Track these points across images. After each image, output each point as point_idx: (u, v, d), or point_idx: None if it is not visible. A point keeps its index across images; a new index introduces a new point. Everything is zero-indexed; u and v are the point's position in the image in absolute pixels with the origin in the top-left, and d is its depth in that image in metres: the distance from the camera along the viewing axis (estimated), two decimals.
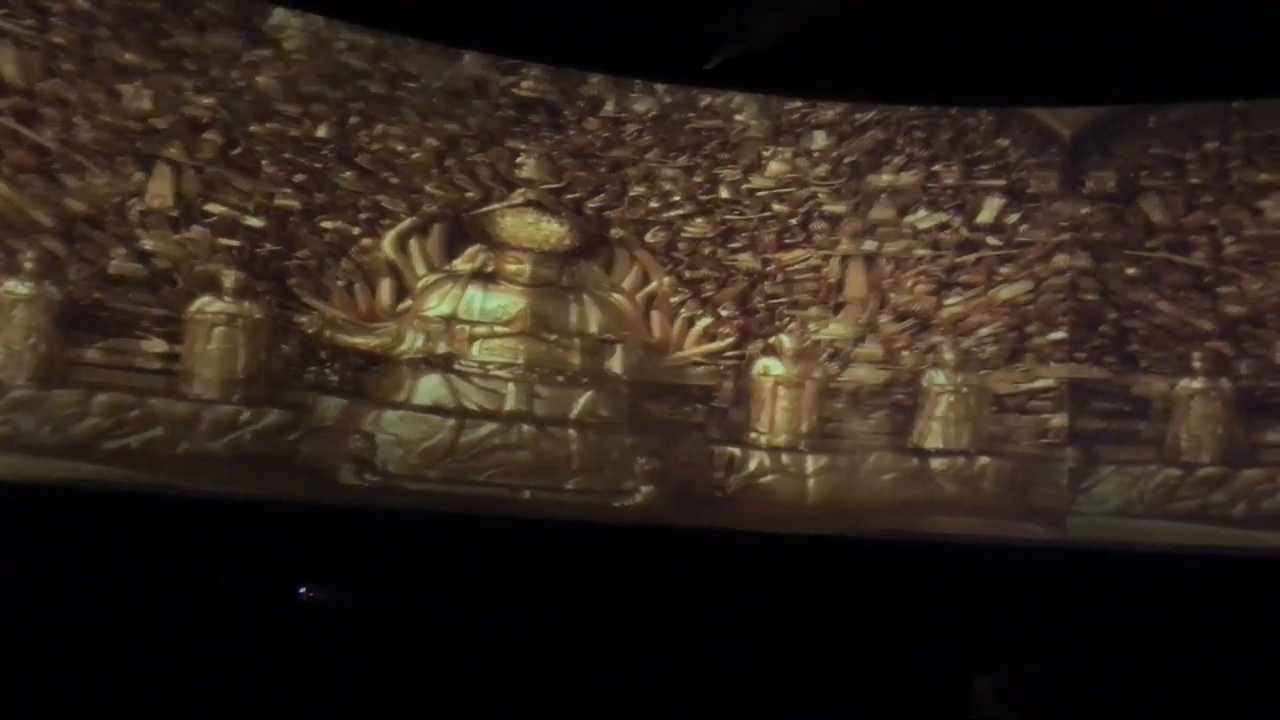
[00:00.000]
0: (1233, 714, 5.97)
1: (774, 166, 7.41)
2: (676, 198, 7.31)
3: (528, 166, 7.09)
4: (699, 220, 7.31)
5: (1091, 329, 7.08)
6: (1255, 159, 6.98)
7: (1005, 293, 7.23)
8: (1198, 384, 6.87)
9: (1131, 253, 7.10)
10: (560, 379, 7.01)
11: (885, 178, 7.42)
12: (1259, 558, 6.56)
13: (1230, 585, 6.35)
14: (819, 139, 7.46)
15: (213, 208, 6.36)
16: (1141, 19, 6.45)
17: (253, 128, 6.48)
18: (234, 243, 6.39)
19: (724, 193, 7.36)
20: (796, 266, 7.35)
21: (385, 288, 6.78)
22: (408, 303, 6.82)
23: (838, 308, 7.35)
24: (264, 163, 6.50)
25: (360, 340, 6.67)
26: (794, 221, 7.38)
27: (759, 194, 7.37)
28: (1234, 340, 6.87)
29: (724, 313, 7.27)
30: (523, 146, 7.11)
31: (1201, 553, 6.65)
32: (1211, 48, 6.62)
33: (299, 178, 6.58)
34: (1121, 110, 7.24)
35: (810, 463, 7.19)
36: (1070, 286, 7.13)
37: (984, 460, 7.09)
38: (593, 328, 7.10)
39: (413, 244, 6.85)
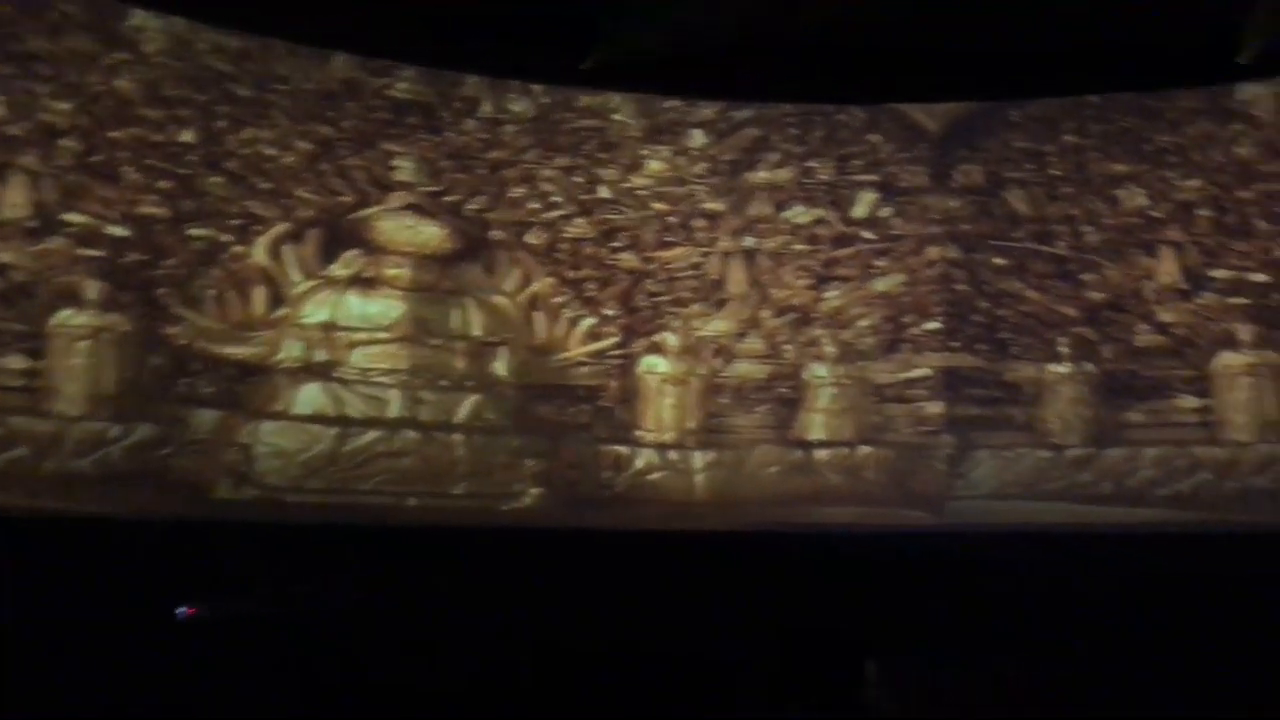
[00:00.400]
0: (1109, 686, 6.20)
1: (653, 165, 7.46)
2: (557, 198, 7.30)
3: (404, 169, 7.00)
4: (580, 220, 7.31)
5: (964, 318, 7.29)
6: (1111, 151, 7.30)
7: (881, 285, 7.41)
8: (1064, 369, 7.14)
9: (999, 243, 7.35)
10: (444, 383, 6.93)
11: (762, 175, 7.53)
12: (1123, 534, 6.82)
13: (1098, 561, 6.62)
14: (697, 138, 7.53)
15: (72, 217, 6.11)
16: (1001, 17, 6.66)
17: (113, 133, 6.26)
18: (96, 253, 6.14)
19: (604, 192, 7.38)
20: (678, 264, 7.41)
21: (259, 296, 6.60)
22: (283, 310, 6.66)
23: (720, 304, 7.43)
24: (126, 169, 6.28)
25: (234, 350, 6.48)
26: (674, 220, 7.44)
27: (639, 193, 7.42)
28: (1097, 325, 7.16)
29: (608, 312, 7.28)
30: (399, 149, 7.02)
31: (1071, 530, 6.89)
32: (1067, 44, 6.88)
33: (164, 184, 6.37)
34: (985, 106, 7.49)
35: (697, 459, 7.24)
36: (942, 277, 7.34)
37: (865, 450, 7.24)
38: (476, 331, 7.04)
39: (287, 250, 6.68)
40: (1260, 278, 6.92)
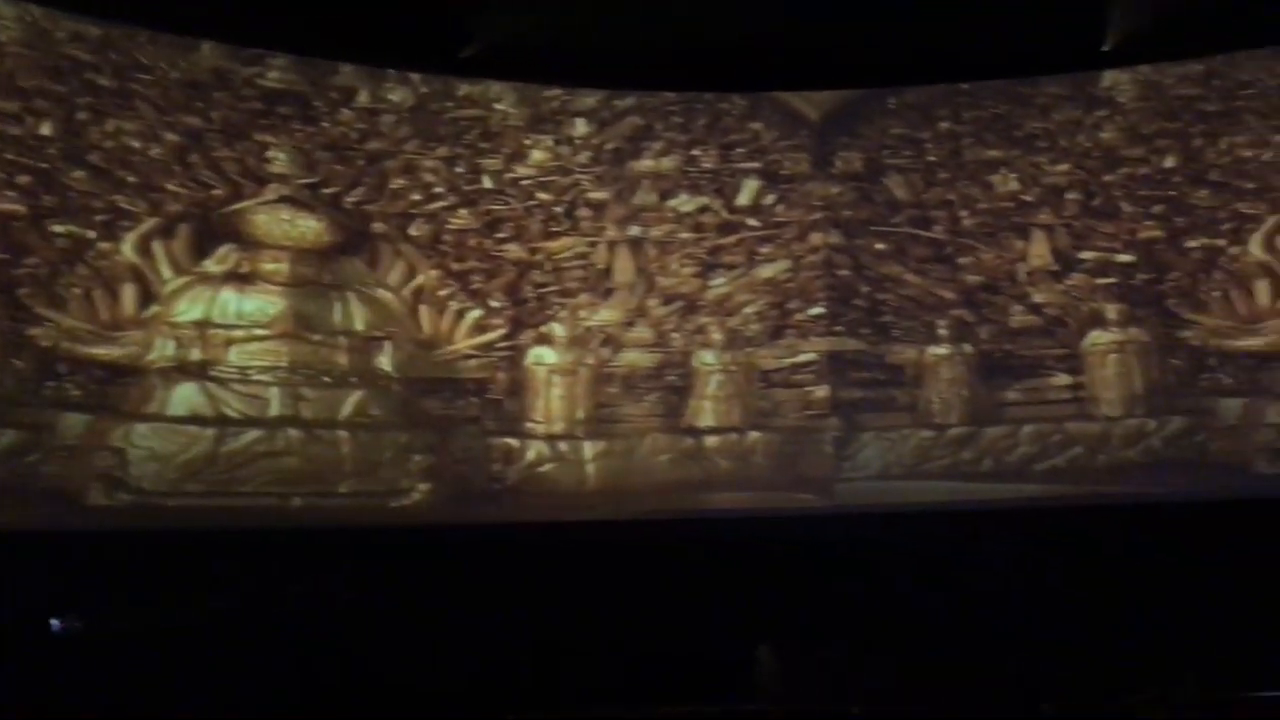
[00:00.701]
0: (988, 659, 6.37)
1: (536, 155, 7.39)
2: (439, 189, 7.19)
3: (279, 161, 6.80)
4: (463, 211, 7.21)
5: (846, 303, 7.41)
6: (984, 137, 7.48)
7: (766, 271, 7.48)
8: (944, 350, 7.31)
9: (879, 229, 7.48)
10: (327, 380, 6.77)
11: (646, 163, 7.53)
12: (1004, 509, 7.02)
13: (981, 537, 6.82)
14: (580, 126, 7.49)
15: None
16: (875, 5, 6.78)
17: None
18: None
19: (487, 183, 7.29)
20: (564, 254, 7.37)
21: (128, 294, 6.33)
22: (154, 309, 6.41)
23: (607, 294, 7.41)
24: None
25: (103, 351, 6.21)
26: (559, 209, 7.39)
27: (523, 183, 7.35)
28: (974, 307, 7.34)
29: (494, 304, 7.19)
30: (272, 140, 6.82)
31: (954, 508, 7.08)
32: (940, 32, 7.02)
33: (23, 179, 6.08)
34: (863, 94, 7.61)
35: (588, 449, 7.22)
36: (825, 263, 7.44)
37: (754, 435, 7.30)
38: (359, 325, 6.89)
39: (156, 246, 6.43)
40: (1126, 258, 7.17)
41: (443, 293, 7.12)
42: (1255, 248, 6.96)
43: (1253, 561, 6.32)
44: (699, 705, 5.76)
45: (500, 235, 7.26)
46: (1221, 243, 7.03)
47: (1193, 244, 7.08)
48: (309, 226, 6.83)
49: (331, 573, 6.28)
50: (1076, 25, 7.00)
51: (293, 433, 6.57)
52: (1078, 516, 6.91)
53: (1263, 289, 6.92)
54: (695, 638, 6.58)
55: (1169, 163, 7.19)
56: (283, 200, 6.79)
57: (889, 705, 5.71)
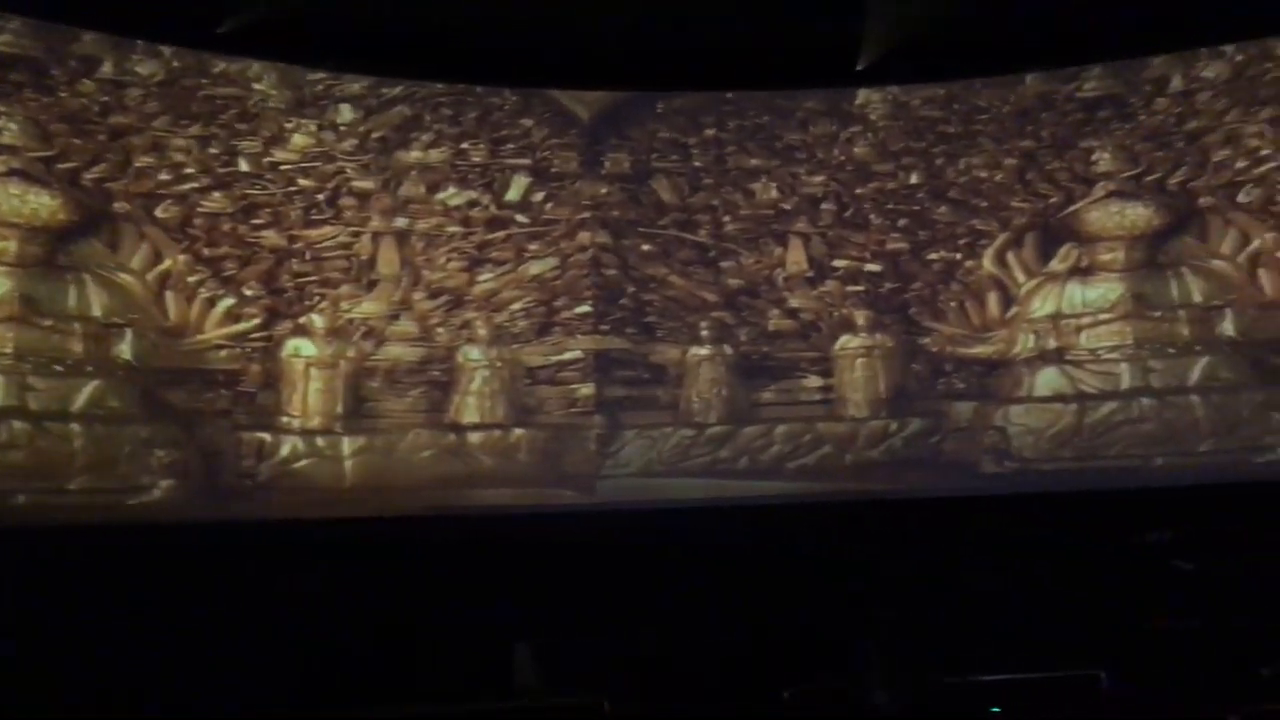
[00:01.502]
0: (743, 651, 6.59)
1: (298, 140, 7.12)
2: (190, 170, 6.81)
3: (9, 132, 6.28)
4: (217, 194, 6.86)
5: (613, 302, 7.50)
6: (747, 145, 7.73)
7: (534, 268, 7.48)
8: (705, 350, 7.51)
9: (646, 230, 7.61)
10: (59, 369, 6.31)
11: (414, 154, 7.39)
12: (758, 506, 7.28)
13: (736, 533, 7.04)
14: (345, 112, 7.28)
15: None
16: (643, 9, 6.90)
17: None
18: None
19: (244, 165, 6.97)
20: (326, 244, 7.13)
21: None
22: None
23: (370, 285, 7.23)
24: None
25: None
26: (321, 197, 7.14)
27: (283, 168, 7.06)
28: (734, 310, 7.57)
29: (248, 292, 6.88)
30: (3, 109, 6.30)
31: (712, 504, 7.28)
32: (706, 41, 7.21)
33: None
34: (633, 96, 7.72)
35: (346, 444, 7.03)
36: (593, 262, 7.51)
37: (519, 432, 7.30)
38: (96, 311, 6.45)
39: None
40: (874, 267, 7.57)
41: (192, 279, 6.75)
42: (988, 262, 7.49)
43: (978, 555, 6.81)
44: (458, 704, 5.69)
45: (257, 221, 6.95)
46: (958, 256, 7.52)
47: (933, 256, 7.55)
48: (40, 203, 6.32)
49: (60, 574, 5.86)
50: (833, 43, 7.32)
51: (18, 425, 6.10)
52: (825, 512, 7.23)
53: (993, 300, 7.46)
54: (456, 636, 6.52)
55: (914, 179, 7.63)
56: (11, 174, 6.28)
57: (644, 700, 5.83)
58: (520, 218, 7.50)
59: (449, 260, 7.36)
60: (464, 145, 7.47)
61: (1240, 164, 7.12)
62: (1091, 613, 6.61)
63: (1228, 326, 7.04)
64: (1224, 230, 7.16)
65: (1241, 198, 7.11)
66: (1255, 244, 7.06)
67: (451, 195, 7.43)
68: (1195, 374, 7.04)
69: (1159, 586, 6.59)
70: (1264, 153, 7.07)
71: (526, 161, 7.55)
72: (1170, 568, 6.67)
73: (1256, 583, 6.30)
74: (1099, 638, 6.35)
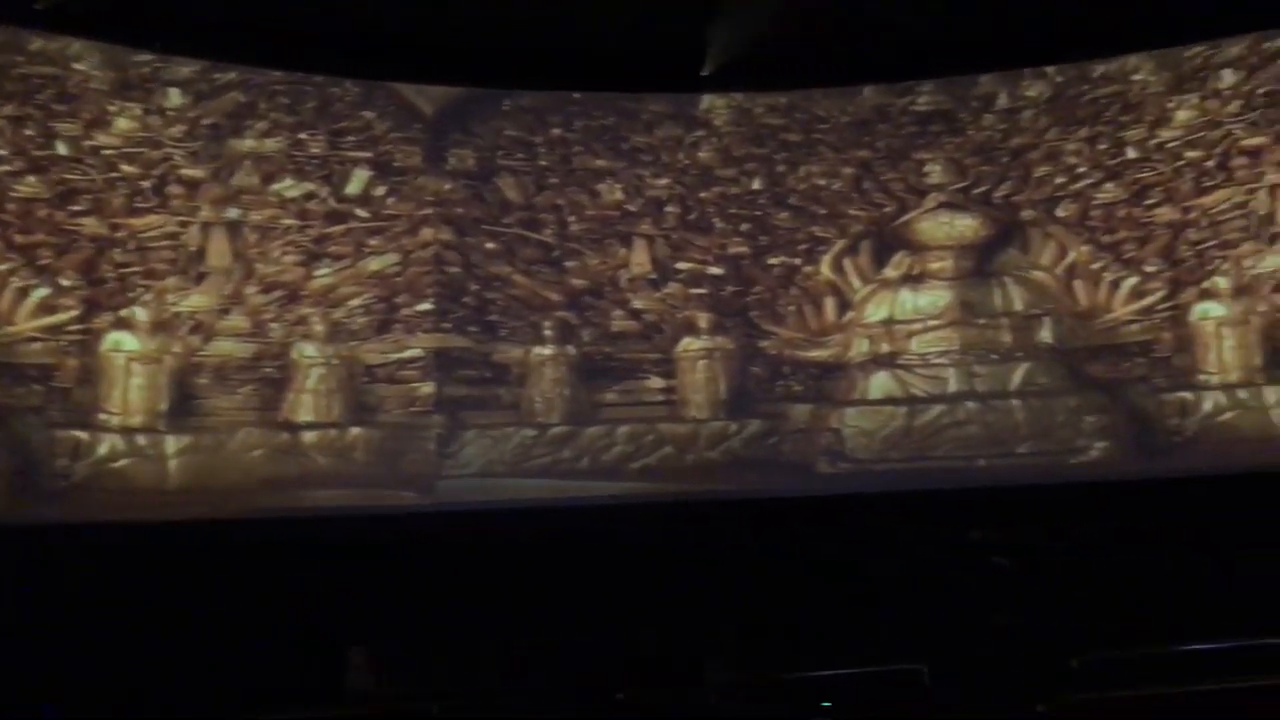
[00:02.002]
0: (575, 651, 6.59)
1: (122, 123, 6.78)
2: (3, 152, 6.42)
3: None
4: (31, 179, 6.47)
5: (455, 300, 7.40)
6: (593, 146, 7.74)
7: (374, 264, 7.31)
8: (548, 350, 7.48)
9: (490, 228, 7.53)
10: None
11: (249, 143, 7.13)
12: (598, 506, 7.29)
13: (577, 534, 7.03)
14: (174, 97, 6.97)
15: None
16: (492, 6, 6.83)
17: None
18: None
19: (62, 149, 6.59)
20: (151, 233, 6.81)
21: None
22: None
23: (199, 278, 6.95)
24: None
25: None
26: (146, 185, 6.82)
27: (104, 153, 6.71)
28: (578, 310, 7.57)
29: (65, 282, 6.51)
30: None
31: (553, 505, 7.25)
32: (553, 41, 7.19)
33: None
34: (478, 92, 7.63)
35: (171, 443, 6.74)
36: (435, 259, 7.39)
37: (356, 431, 7.12)
38: None
39: None
40: (716, 271, 7.68)
41: (3, 268, 6.35)
42: (825, 268, 7.68)
43: (813, 554, 6.98)
44: (289, 710, 5.52)
45: (75, 208, 6.58)
46: (798, 261, 7.70)
47: (774, 261, 7.70)
48: None
49: None
50: (680, 48, 7.40)
51: None
52: (666, 513, 7.29)
53: (830, 305, 7.66)
54: (287, 642, 6.32)
55: (756, 185, 7.77)
56: None
57: (478, 704, 5.77)
58: (360, 212, 7.32)
59: (284, 254, 7.13)
60: (301, 135, 7.25)
61: (1059, 180, 7.50)
62: (917, 609, 6.86)
63: (1046, 334, 7.41)
64: (1044, 242, 7.53)
65: (1060, 212, 7.49)
66: (1071, 256, 7.45)
67: (288, 187, 7.20)
68: (1016, 379, 7.38)
69: (980, 583, 6.88)
70: (1080, 170, 7.46)
71: (368, 155, 7.37)
72: (991, 565, 6.97)
73: (1068, 578, 6.63)
74: (924, 633, 6.60)
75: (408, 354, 7.28)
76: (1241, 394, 7.01)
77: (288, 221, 7.18)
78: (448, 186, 7.50)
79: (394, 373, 7.25)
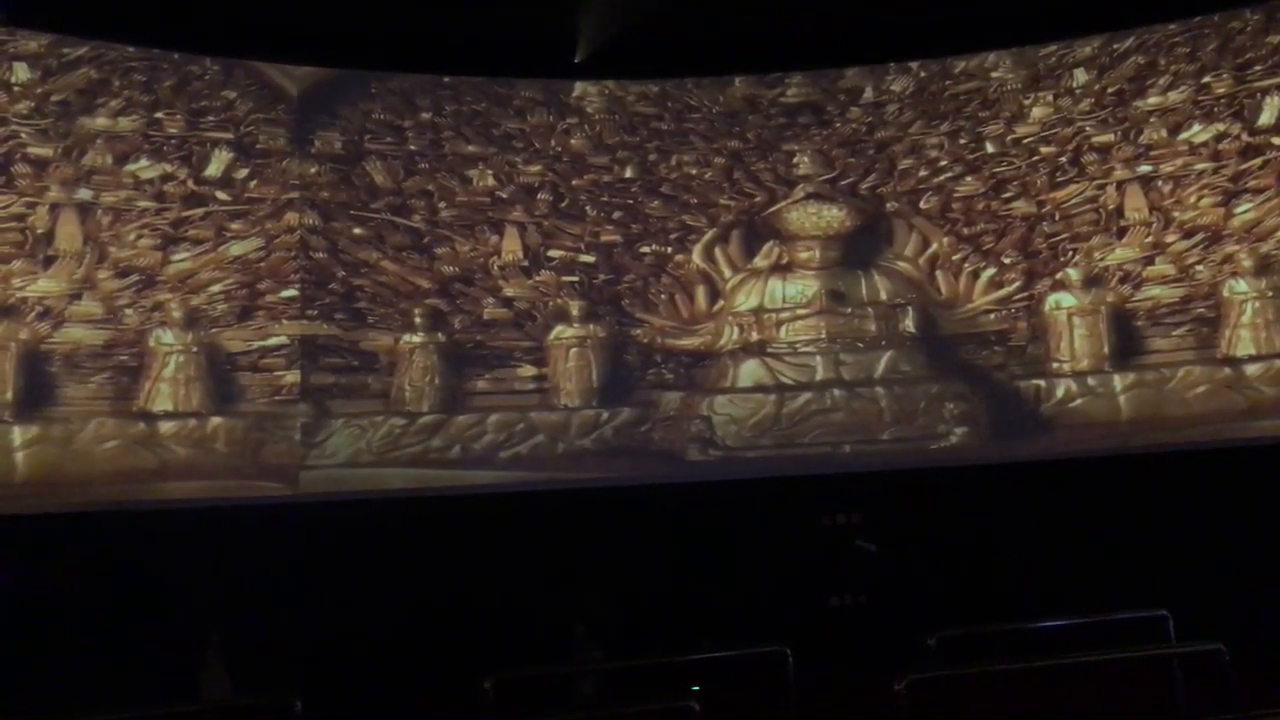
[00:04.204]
0: (454, 637, 6.52)
1: None
2: None
3: None
4: None
5: (321, 286, 7.24)
6: (464, 131, 7.64)
7: (236, 249, 7.10)
8: (418, 338, 7.37)
9: (358, 213, 7.38)
10: None
11: (101, 121, 6.86)
12: (471, 494, 7.22)
13: (445, 522, 6.96)
14: (20, 71, 6.67)
15: None
16: None
17: None
18: None
19: None
20: None
21: None
22: None
23: (48, 261, 6.66)
24: None
25: None
26: None
27: None
28: (448, 297, 7.47)
29: None
30: None
31: (421, 494, 7.15)
32: (423, 24, 7.07)
33: None
34: (345, 75, 7.46)
35: (18, 434, 6.45)
36: (300, 244, 7.21)
37: (216, 421, 6.91)
38: None
39: None
40: (588, 259, 7.67)
41: None
42: (697, 256, 7.74)
43: (683, 540, 7.04)
44: (147, 707, 5.34)
45: None
46: (669, 250, 7.75)
47: (646, 249, 7.74)
48: None
49: None
50: (552, 35, 7.35)
51: None
52: (537, 501, 7.26)
53: (701, 293, 7.73)
54: (142, 636, 6.12)
55: (628, 173, 7.78)
56: None
57: (344, 696, 5.67)
58: (221, 195, 7.10)
59: (140, 237, 6.87)
60: (158, 115, 6.99)
61: (922, 173, 7.70)
62: (783, 592, 6.99)
63: (909, 323, 7.60)
64: (907, 233, 7.72)
65: (922, 204, 7.69)
66: (933, 247, 7.67)
67: (143, 167, 6.94)
68: (881, 367, 7.56)
69: (845, 566, 7.05)
70: (942, 163, 7.68)
71: (229, 136, 7.15)
72: (855, 548, 7.14)
73: (928, 560, 6.83)
74: (789, 615, 6.72)
75: (271, 341, 7.09)
76: (1091, 380, 7.30)
77: (143, 204, 6.92)
78: (313, 170, 7.32)
79: (257, 361, 7.06)
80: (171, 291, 6.91)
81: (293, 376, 7.10)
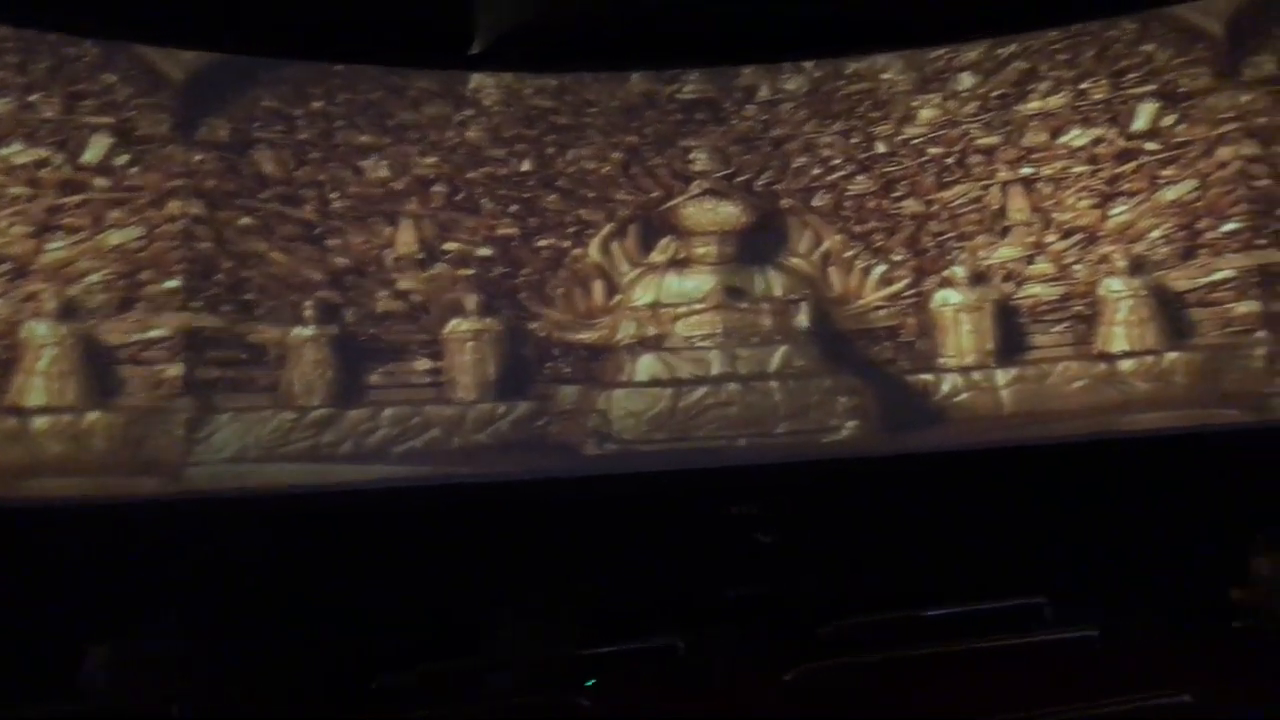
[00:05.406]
0: (347, 638, 6.39)
1: None
2: None
3: None
4: None
5: (206, 277, 7.03)
6: (357, 121, 7.50)
7: (115, 238, 6.87)
8: (309, 331, 7.21)
9: (245, 203, 7.19)
10: None
11: None
12: (364, 490, 7.10)
13: (336, 519, 6.82)
14: None
15: None
16: None
17: None
18: None
19: None
20: None
21: None
22: None
23: None
24: None
25: None
26: None
27: None
28: (341, 290, 7.33)
29: None
30: None
31: (313, 490, 7.01)
32: (314, 9, 6.93)
33: None
34: (233, 61, 7.25)
35: None
36: (184, 234, 7.00)
37: (94, 416, 6.68)
38: None
39: None
40: (484, 252, 7.60)
41: None
42: (593, 251, 7.74)
43: (580, 535, 7.03)
44: (21, 709, 5.13)
45: None
46: (566, 244, 7.72)
47: (543, 243, 7.69)
48: None
49: None
50: (448, 24, 7.26)
51: None
52: (431, 497, 7.17)
53: (598, 288, 7.73)
54: (18, 637, 5.87)
55: (525, 166, 7.73)
56: None
57: (216, 703, 5.51)
58: (100, 181, 6.85)
59: (11, 225, 6.60)
60: (32, 98, 6.71)
61: (815, 170, 7.82)
62: (680, 585, 7.02)
63: (803, 319, 7.71)
64: (801, 230, 7.83)
65: (816, 201, 7.81)
66: (826, 244, 7.80)
67: (17, 152, 6.66)
68: (775, 362, 7.65)
69: (739, 557, 7.11)
70: (835, 161, 7.81)
71: (108, 120, 6.90)
72: (750, 540, 7.21)
73: (820, 550, 6.94)
74: (683, 608, 6.76)
75: (153, 334, 6.86)
76: (976, 375, 7.52)
77: (16, 190, 6.64)
78: (198, 158, 7.10)
79: (137, 353, 6.82)
80: (45, 281, 6.64)
81: (176, 370, 6.88)
